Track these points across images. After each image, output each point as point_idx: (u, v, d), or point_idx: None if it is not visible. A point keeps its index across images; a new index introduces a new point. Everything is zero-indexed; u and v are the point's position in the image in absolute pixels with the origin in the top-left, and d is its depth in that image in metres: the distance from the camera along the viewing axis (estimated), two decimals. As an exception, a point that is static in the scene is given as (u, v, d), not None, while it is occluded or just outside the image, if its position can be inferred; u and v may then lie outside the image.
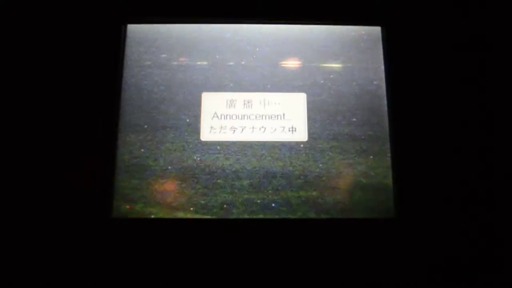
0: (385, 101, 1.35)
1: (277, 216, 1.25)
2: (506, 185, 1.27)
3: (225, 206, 1.25)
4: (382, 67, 1.38)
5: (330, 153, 1.30)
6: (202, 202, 1.25)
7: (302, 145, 1.31)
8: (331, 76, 1.36)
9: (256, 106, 1.33)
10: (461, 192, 1.26)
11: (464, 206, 1.26)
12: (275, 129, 1.32)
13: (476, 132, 1.31)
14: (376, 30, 1.41)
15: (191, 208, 1.25)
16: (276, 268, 1.20)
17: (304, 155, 1.30)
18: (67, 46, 1.33)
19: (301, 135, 1.31)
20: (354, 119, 1.33)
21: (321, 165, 1.29)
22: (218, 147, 1.30)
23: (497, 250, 1.23)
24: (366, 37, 1.40)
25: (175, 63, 1.36)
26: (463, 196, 1.26)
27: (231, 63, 1.36)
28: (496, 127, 1.31)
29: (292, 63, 1.37)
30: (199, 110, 1.33)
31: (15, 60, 1.32)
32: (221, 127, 1.31)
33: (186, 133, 1.30)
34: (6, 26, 1.33)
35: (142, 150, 1.29)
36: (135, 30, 1.38)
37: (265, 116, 1.33)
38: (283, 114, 1.33)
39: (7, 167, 1.23)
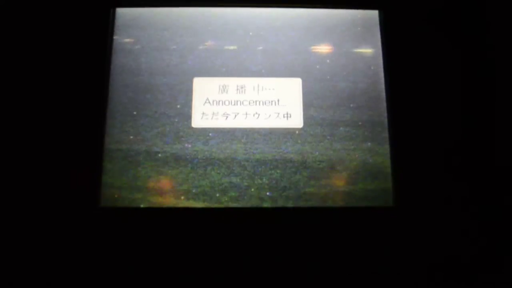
0: (383, 87, 1.30)
1: (271, 205, 1.20)
2: (508, 173, 1.23)
3: (217, 194, 1.21)
4: (380, 51, 1.33)
5: (327, 140, 1.26)
6: (194, 190, 1.21)
7: (297, 132, 1.26)
8: (327, 61, 1.32)
9: (249, 92, 1.29)
10: (460, 180, 1.22)
11: (463, 195, 1.21)
12: (270, 115, 1.27)
13: (477, 118, 1.27)
14: (374, 14, 1.36)
15: (182, 197, 1.20)
16: (270, 258, 1.16)
17: (299, 141, 1.25)
18: (54, 30, 1.29)
19: (297, 121, 1.27)
20: (351, 105, 1.29)
21: (317, 152, 1.25)
22: (210, 134, 1.25)
23: (496, 240, 1.19)
24: (363, 21, 1.36)
25: (165, 47, 1.31)
26: (462, 184, 1.22)
27: (223, 48, 1.32)
28: (498, 113, 1.27)
29: (287, 48, 1.32)
30: (191, 95, 1.28)
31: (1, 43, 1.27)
32: (213, 113, 1.26)
33: (176, 120, 1.26)
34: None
35: (131, 137, 1.24)
36: (123, 13, 1.33)
37: (259, 101, 1.28)
38: (278, 100, 1.28)
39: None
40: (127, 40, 1.31)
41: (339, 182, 1.23)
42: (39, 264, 1.14)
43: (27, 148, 1.20)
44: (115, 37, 1.31)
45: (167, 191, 1.20)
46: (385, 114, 1.28)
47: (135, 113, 1.26)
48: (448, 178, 1.22)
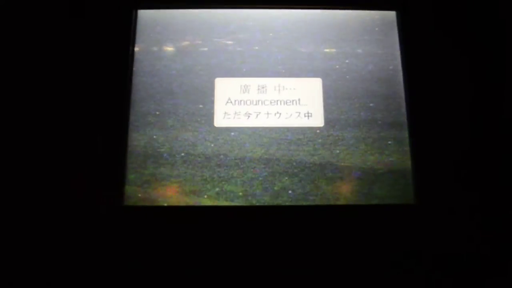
0: (402, 86, 1.31)
1: (293, 203, 1.21)
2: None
3: (240, 193, 1.22)
4: (398, 52, 1.34)
5: (347, 139, 1.27)
6: (217, 189, 1.21)
7: (318, 131, 1.27)
8: (347, 61, 1.34)
9: (270, 92, 1.30)
10: (481, 177, 1.23)
11: (484, 192, 1.22)
12: (291, 115, 1.28)
13: (496, 116, 1.28)
14: (391, 14, 1.38)
15: (205, 196, 1.21)
16: (293, 255, 1.16)
17: (320, 140, 1.26)
18: (77, 32, 1.30)
19: (317, 120, 1.28)
20: (371, 104, 1.30)
21: (338, 150, 1.26)
22: (232, 133, 1.26)
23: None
24: (381, 21, 1.38)
25: (187, 48, 1.33)
26: (483, 180, 1.23)
27: (244, 48, 1.33)
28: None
29: (306, 48, 1.34)
30: (213, 96, 1.29)
31: (24, 46, 1.28)
32: (235, 113, 1.28)
33: (199, 119, 1.27)
34: (15, 11, 1.29)
35: (154, 136, 1.25)
36: (145, 15, 1.35)
37: (280, 101, 1.29)
38: (299, 99, 1.30)
39: (18, 153, 1.19)
40: (149, 42, 1.33)
41: (360, 180, 1.24)
42: (63, 263, 1.15)
43: (53, 148, 1.21)
44: (137, 39, 1.33)
45: (190, 190, 1.21)
46: (405, 113, 1.29)
47: (157, 113, 1.27)
48: (469, 176, 1.23)
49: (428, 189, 1.23)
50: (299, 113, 1.29)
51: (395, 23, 1.38)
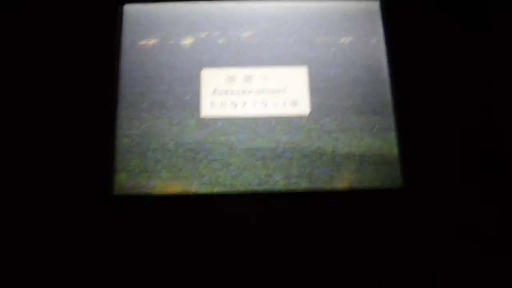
0: (387, 73, 1.33)
1: (281, 189, 1.22)
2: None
3: (228, 181, 1.23)
4: (383, 40, 1.36)
5: (334, 126, 1.28)
6: (205, 177, 1.22)
7: (304, 118, 1.28)
8: (332, 49, 1.35)
9: (256, 81, 1.32)
10: (468, 160, 1.25)
11: (472, 174, 1.24)
12: (277, 103, 1.30)
13: (481, 101, 1.29)
14: (375, 4, 1.40)
15: (195, 183, 1.22)
16: (282, 241, 1.17)
17: (307, 128, 1.28)
18: (62, 28, 1.32)
19: (304, 108, 1.30)
20: (357, 91, 1.32)
21: (324, 137, 1.27)
22: (219, 123, 1.27)
23: (508, 222, 1.20)
24: (365, 11, 1.40)
25: (172, 41, 1.35)
26: (470, 163, 1.24)
27: (229, 39, 1.35)
28: (500, 93, 1.30)
29: (292, 39, 1.36)
30: (199, 87, 1.31)
31: (8, 43, 1.30)
32: (222, 103, 1.29)
33: (186, 110, 1.28)
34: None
35: (142, 127, 1.26)
36: (131, 9, 1.37)
37: (266, 90, 1.31)
38: (285, 88, 1.31)
39: (6, 145, 1.20)
40: (135, 35, 1.35)
41: (347, 166, 1.25)
42: (52, 253, 1.15)
43: (41, 139, 1.22)
44: (123, 33, 1.34)
45: (179, 178, 1.22)
46: (390, 100, 1.31)
47: (145, 104, 1.28)
48: (456, 158, 1.25)
49: (415, 173, 1.24)
50: (285, 101, 1.30)
51: (378, 12, 1.39)
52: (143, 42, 1.34)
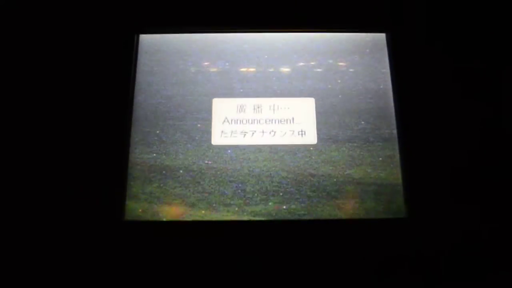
0: (392, 104, 1.37)
1: (288, 218, 1.26)
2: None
3: (236, 208, 1.26)
4: (388, 71, 1.40)
5: (340, 156, 1.32)
6: (214, 204, 1.26)
7: (312, 148, 1.32)
8: (339, 81, 1.40)
9: (265, 111, 1.36)
10: (472, 191, 1.27)
11: (475, 205, 1.26)
12: (285, 133, 1.34)
13: (485, 132, 1.32)
14: (381, 36, 1.45)
15: (203, 211, 1.26)
16: (287, 270, 1.20)
17: (314, 157, 1.31)
18: (80, 55, 1.37)
19: (311, 138, 1.34)
20: (363, 122, 1.35)
21: (331, 167, 1.31)
22: (229, 151, 1.32)
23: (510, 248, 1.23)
24: (372, 43, 1.44)
25: (186, 71, 1.40)
26: (474, 194, 1.27)
27: (240, 70, 1.40)
28: (505, 127, 1.33)
29: (300, 69, 1.40)
30: (210, 115, 1.35)
31: (28, 69, 1.36)
32: (232, 132, 1.34)
33: (197, 138, 1.33)
34: (18, 33, 1.37)
35: (154, 154, 1.31)
36: (147, 39, 1.42)
37: (275, 120, 1.35)
38: (292, 118, 1.35)
39: (21, 168, 1.25)
40: (150, 64, 1.40)
41: (353, 196, 1.28)
42: (64, 278, 1.19)
43: (55, 163, 1.26)
44: (138, 62, 1.40)
45: (189, 205, 1.26)
46: (395, 130, 1.34)
47: (158, 131, 1.33)
48: (460, 189, 1.27)
49: (419, 203, 1.27)
50: (293, 131, 1.34)
51: (385, 44, 1.44)
52: (157, 71, 1.39)
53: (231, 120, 1.35)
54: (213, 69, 1.40)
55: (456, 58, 1.40)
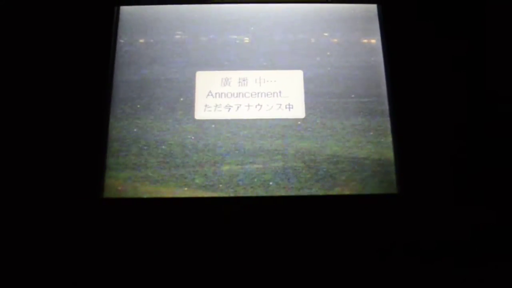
0: (383, 77, 1.31)
1: (274, 194, 1.20)
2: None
3: (220, 185, 1.21)
4: (379, 43, 1.35)
5: (329, 130, 1.26)
6: (196, 180, 1.21)
7: (299, 122, 1.27)
8: (328, 53, 1.34)
9: (251, 84, 1.30)
10: (463, 166, 1.22)
11: (467, 180, 1.21)
12: (272, 107, 1.28)
13: (477, 105, 1.27)
14: (372, 7, 1.39)
15: (185, 188, 1.20)
16: (273, 246, 1.15)
17: (301, 131, 1.26)
18: (59, 28, 1.31)
19: (299, 112, 1.28)
20: (352, 95, 1.30)
21: (319, 141, 1.25)
22: (213, 125, 1.26)
23: (504, 223, 1.18)
24: (362, 14, 1.38)
25: (168, 43, 1.34)
26: (465, 169, 1.22)
27: (225, 42, 1.34)
28: (498, 100, 1.28)
29: (288, 41, 1.34)
30: (193, 89, 1.29)
31: (5, 43, 1.30)
32: (216, 105, 1.28)
33: (180, 112, 1.27)
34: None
35: (135, 129, 1.25)
36: (128, 10, 1.36)
37: (261, 93, 1.29)
38: (280, 92, 1.30)
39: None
40: (130, 36, 1.34)
41: (343, 170, 1.23)
42: (42, 256, 1.14)
43: (31, 141, 1.21)
44: (119, 34, 1.34)
45: (171, 182, 1.20)
46: (386, 104, 1.29)
47: (138, 106, 1.27)
48: (452, 164, 1.22)
49: (410, 178, 1.22)
50: (280, 105, 1.28)
51: (376, 16, 1.38)
52: (138, 43, 1.33)
53: (215, 94, 1.29)
54: (197, 41, 1.34)
55: (446, 31, 1.34)
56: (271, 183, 1.21)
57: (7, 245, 1.15)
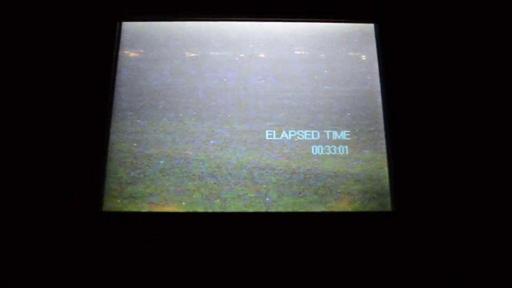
0: (379, 96, 1.34)
1: (270, 210, 1.22)
2: (506, 177, 1.25)
3: (216, 200, 1.23)
4: (376, 61, 1.37)
5: (327, 146, 1.28)
6: (194, 195, 1.23)
7: (296, 140, 1.29)
8: (325, 71, 1.36)
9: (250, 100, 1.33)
10: (458, 185, 1.24)
11: (461, 199, 1.23)
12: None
13: (472, 125, 1.29)
14: (370, 27, 1.41)
15: (183, 203, 1.23)
16: (269, 260, 1.17)
17: (298, 150, 1.28)
18: (63, 43, 1.34)
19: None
20: (349, 114, 1.32)
21: (316, 159, 1.27)
22: (212, 142, 1.28)
23: (495, 241, 1.20)
24: (360, 33, 1.41)
25: (168, 57, 1.36)
26: (460, 189, 1.24)
27: (225, 56, 1.36)
28: (493, 121, 1.30)
29: (288, 58, 1.37)
30: (189, 107, 1.32)
31: (10, 55, 1.32)
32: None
33: (179, 128, 1.29)
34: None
35: (135, 144, 1.27)
36: (129, 27, 1.38)
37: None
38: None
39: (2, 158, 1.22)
40: (132, 51, 1.36)
41: (337, 188, 1.25)
42: (43, 267, 1.15)
43: (32, 154, 1.23)
44: (120, 48, 1.36)
45: (169, 196, 1.23)
46: (382, 121, 1.31)
47: (139, 121, 1.29)
48: (446, 181, 1.24)
49: (405, 196, 1.24)
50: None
51: (373, 35, 1.40)
52: (139, 57, 1.35)
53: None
54: (196, 56, 1.36)
55: (443, 49, 1.37)
56: (267, 199, 1.24)
57: (7, 254, 1.16)
